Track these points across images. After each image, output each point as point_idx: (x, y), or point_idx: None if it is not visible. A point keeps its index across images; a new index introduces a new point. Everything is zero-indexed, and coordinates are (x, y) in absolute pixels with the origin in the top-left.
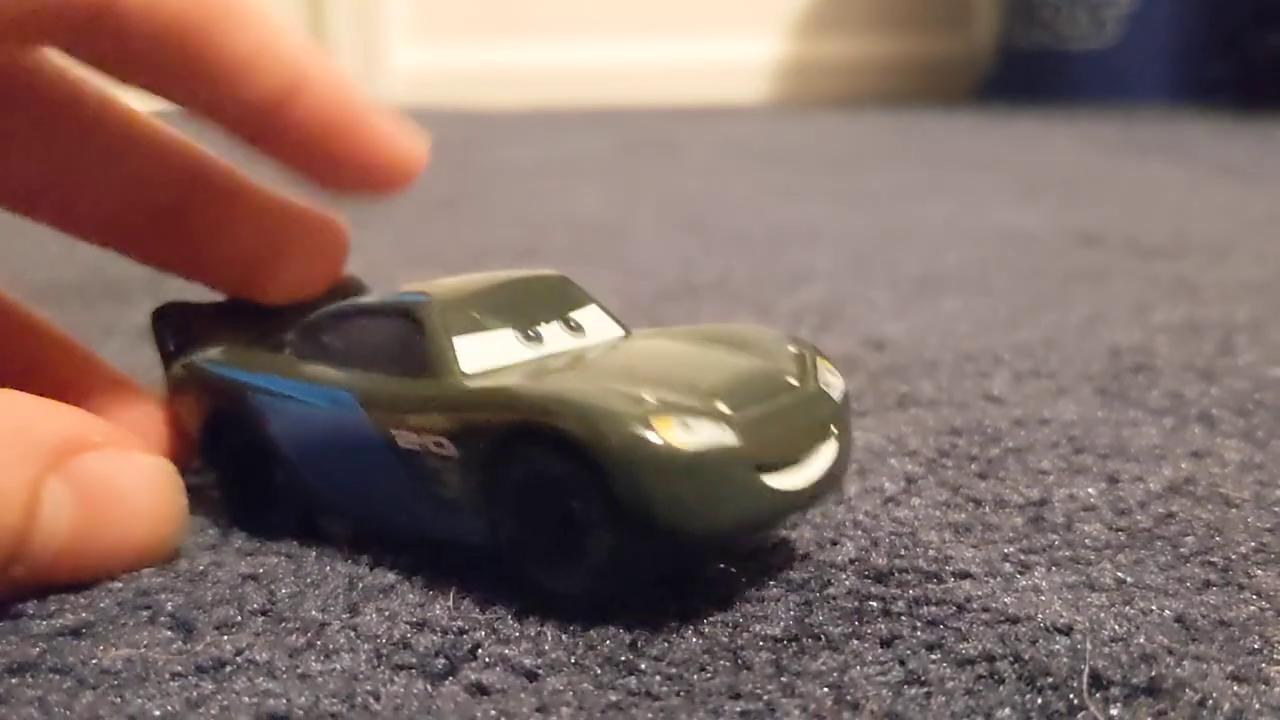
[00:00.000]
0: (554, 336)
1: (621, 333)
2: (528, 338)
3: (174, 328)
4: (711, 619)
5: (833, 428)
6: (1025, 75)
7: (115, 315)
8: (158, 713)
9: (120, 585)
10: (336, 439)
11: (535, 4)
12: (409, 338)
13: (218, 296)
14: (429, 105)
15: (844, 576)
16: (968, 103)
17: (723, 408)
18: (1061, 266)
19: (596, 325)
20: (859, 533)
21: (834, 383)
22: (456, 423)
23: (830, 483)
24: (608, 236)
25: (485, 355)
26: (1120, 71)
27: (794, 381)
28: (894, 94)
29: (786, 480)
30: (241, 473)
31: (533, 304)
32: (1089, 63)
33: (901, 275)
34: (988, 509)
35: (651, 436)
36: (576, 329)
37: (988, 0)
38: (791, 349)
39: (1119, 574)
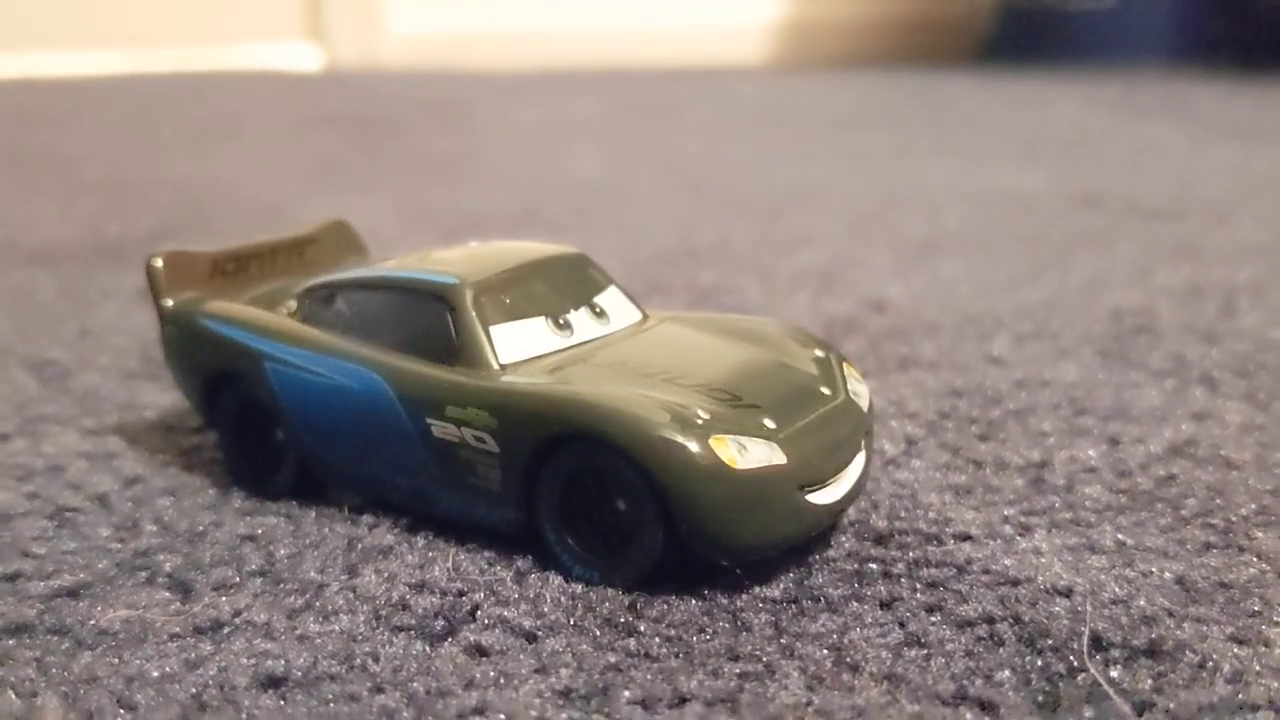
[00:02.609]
0: (582, 324)
1: (640, 316)
2: (558, 325)
3: (170, 277)
4: (711, 581)
5: (862, 440)
6: (1026, 35)
7: (113, 278)
8: (156, 673)
9: (118, 546)
10: (359, 417)
11: None
12: (441, 322)
13: (218, 246)
14: (427, 68)
15: (844, 539)
16: (968, 63)
17: (769, 424)
18: (1062, 228)
19: (618, 309)
20: (860, 496)
21: (861, 391)
22: (500, 420)
23: (858, 490)
24: (607, 199)
25: (521, 345)
26: (1121, 31)
27: (827, 391)
28: (894, 54)
29: (825, 495)
30: (242, 434)
31: (560, 289)
32: (1090, 22)
33: (902, 237)
34: (988, 471)
35: (710, 457)
36: (601, 315)
37: None
38: (817, 352)
39: (1120, 536)
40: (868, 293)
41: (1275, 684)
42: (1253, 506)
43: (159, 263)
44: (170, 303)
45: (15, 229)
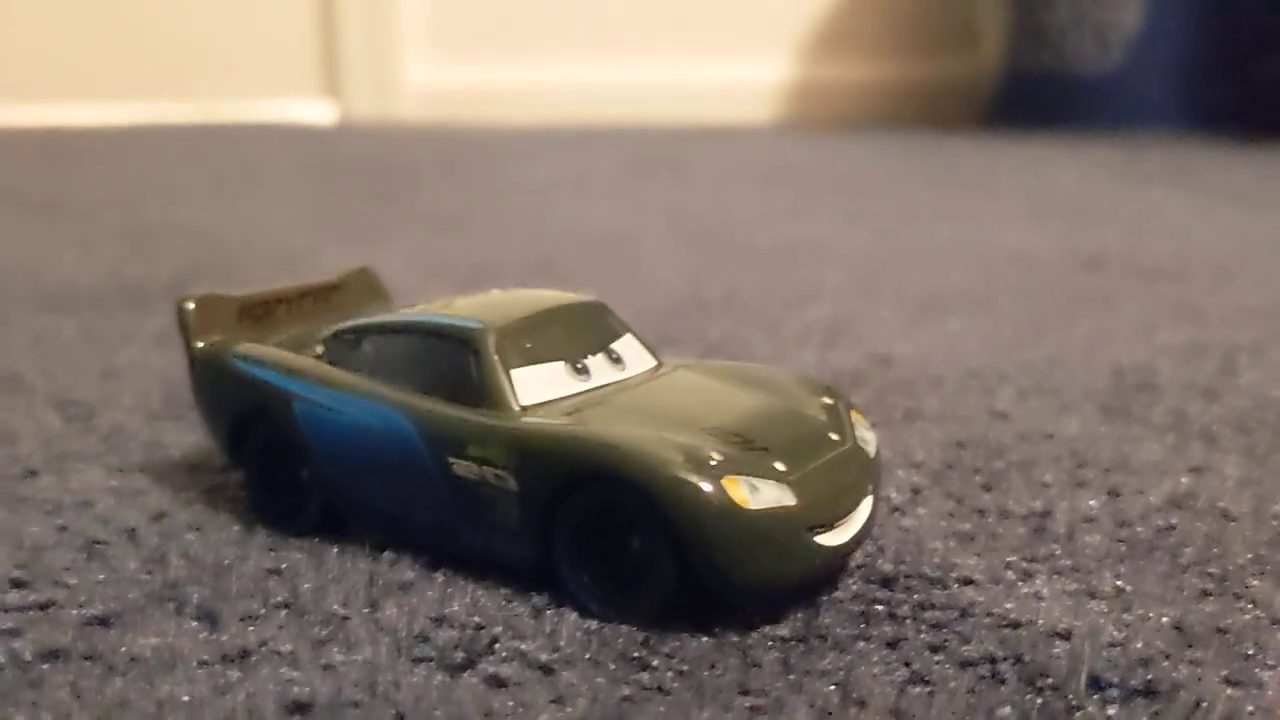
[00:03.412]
0: (599, 369)
1: (655, 363)
2: (576, 370)
3: (201, 322)
4: (722, 620)
5: (869, 485)
6: (1031, 98)
7: (134, 322)
8: (186, 698)
9: (147, 577)
10: (382, 456)
11: (547, 23)
12: (464, 364)
13: (245, 291)
14: (443, 122)
15: (851, 581)
16: (974, 125)
17: (780, 466)
18: (1066, 287)
19: (634, 356)
20: (867, 541)
21: (869, 438)
22: (520, 459)
23: (865, 534)
24: (619, 252)
25: (540, 388)
26: (1125, 95)
27: (836, 437)
28: (900, 116)
29: (832, 538)
30: (268, 471)
31: (577, 335)
32: (1094, 86)
33: (908, 294)
34: (991, 519)
35: (722, 496)
36: (617, 361)
37: (994, 23)
38: (826, 399)
39: (1119, 582)
40: (874, 347)
41: None
42: (1249, 556)
43: (191, 306)
44: (200, 344)
45: (38, 273)
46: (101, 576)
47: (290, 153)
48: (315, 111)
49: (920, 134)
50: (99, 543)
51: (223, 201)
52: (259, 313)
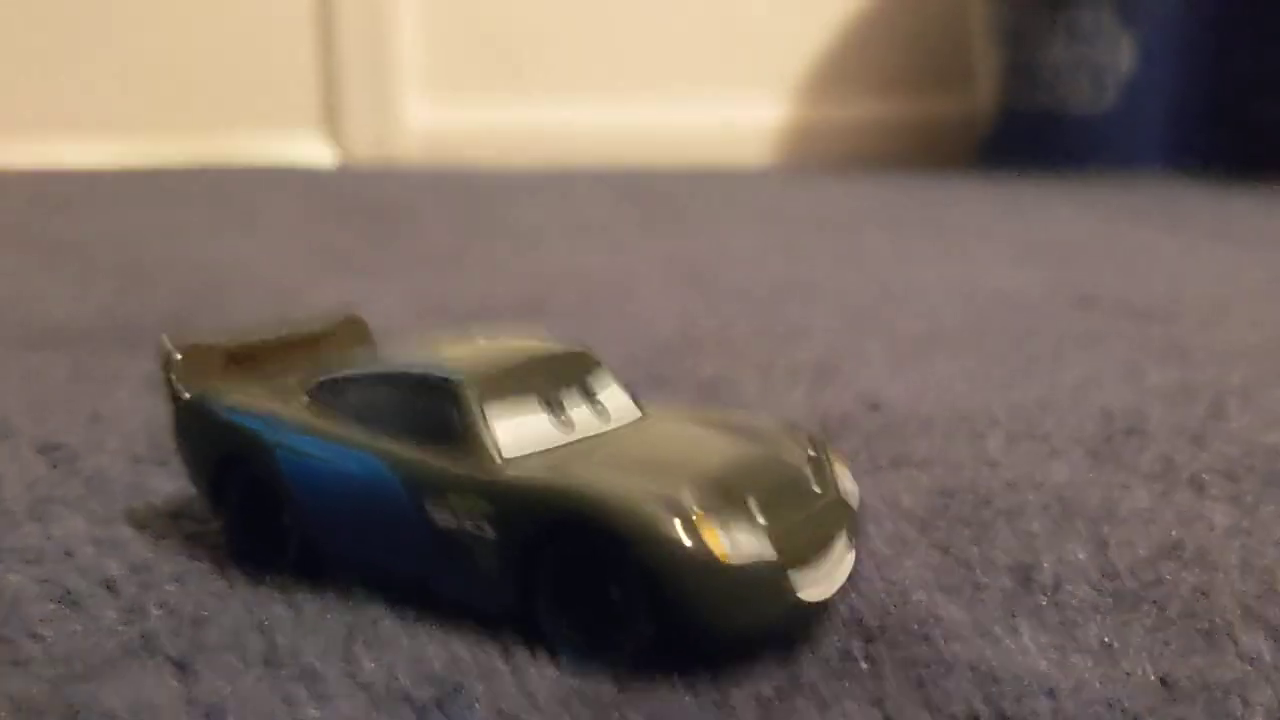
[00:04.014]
0: (583, 420)
1: (639, 414)
2: (559, 422)
3: (185, 369)
4: (700, 673)
5: (851, 538)
6: (1024, 138)
7: (125, 362)
8: None
9: (124, 629)
10: (363, 503)
11: (548, 65)
12: (445, 414)
13: (232, 338)
14: (442, 164)
15: (834, 635)
16: (967, 165)
17: (760, 518)
18: (1056, 329)
19: (617, 405)
20: (851, 593)
21: (851, 489)
22: (499, 508)
23: (846, 587)
24: (612, 292)
25: (521, 438)
26: (1118, 136)
27: (818, 489)
28: (894, 156)
29: (812, 591)
30: (248, 519)
31: (560, 383)
32: (1088, 127)
33: (899, 335)
34: (978, 570)
35: (701, 548)
36: (601, 411)
37: (988, 63)
38: (810, 450)
39: (1105, 637)
40: (863, 389)
41: None
42: (1237, 609)
43: (176, 354)
44: (184, 391)
45: (29, 311)
46: (78, 628)
47: (288, 193)
48: (314, 153)
49: (913, 174)
50: (77, 594)
51: (219, 241)
52: (245, 359)
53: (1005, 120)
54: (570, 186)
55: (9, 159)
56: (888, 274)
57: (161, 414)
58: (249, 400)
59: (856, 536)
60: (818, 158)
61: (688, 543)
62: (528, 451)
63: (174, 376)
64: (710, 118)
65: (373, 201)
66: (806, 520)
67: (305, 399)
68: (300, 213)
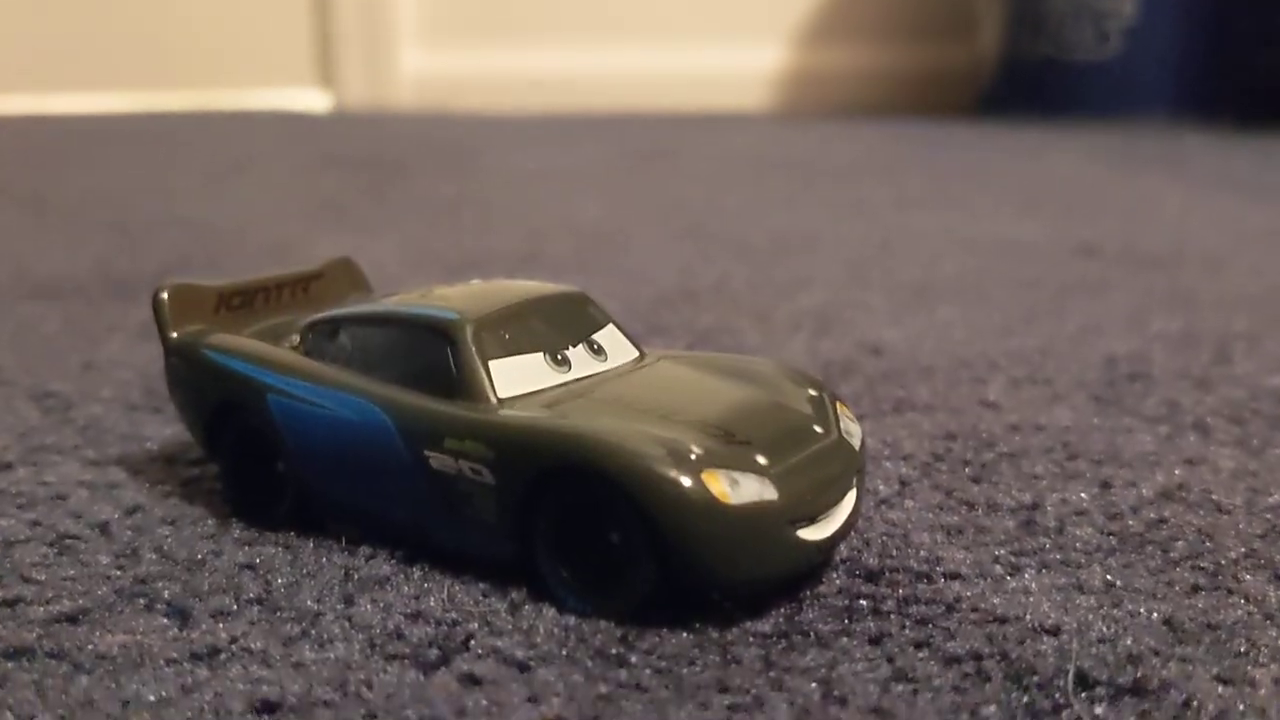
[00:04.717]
0: (580, 360)
1: (638, 355)
2: (556, 362)
3: (176, 310)
4: (702, 615)
5: (853, 479)
6: (1028, 86)
7: (119, 314)
8: (152, 698)
9: (118, 573)
10: (358, 448)
11: (542, 11)
12: (441, 356)
13: (216, 278)
14: (437, 110)
15: (834, 576)
16: (970, 114)
17: (761, 460)
18: (1059, 276)
19: (615, 347)
20: (853, 534)
21: (854, 430)
22: (497, 453)
23: (849, 528)
24: (608, 243)
25: (518, 380)
26: (1122, 84)
27: (820, 430)
28: (896, 105)
29: (815, 532)
30: (243, 464)
31: (558, 325)
32: (1091, 75)
33: (899, 283)
34: (980, 512)
35: (702, 491)
36: (599, 352)
37: (992, 11)
38: (811, 391)
39: (1108, 577)
40: (864, 336)
41: None
42: (1242, 550)
43: (165, 296)
44: (175, 335)
45: (23, 263)
46: (71, 572)
47: (282, 142)
48: (309, 100)
49: (916, 122)
50: (70, 538)
51: (213, 191)
52: (237, 303)
53: (1008, 68)
54: (566, 134)
55: (3, 110)
56: (888, 223)
57: (156, 362)
58: (240, 344)
59: (859, 478)
60: (818, 105)
61: (688, 485)
62: (524, 391)
63: (164, 320)
64: (709, 63)
65: (367, 150)
66: (808, 461)
67: (296, 342)
68: (295, 162)
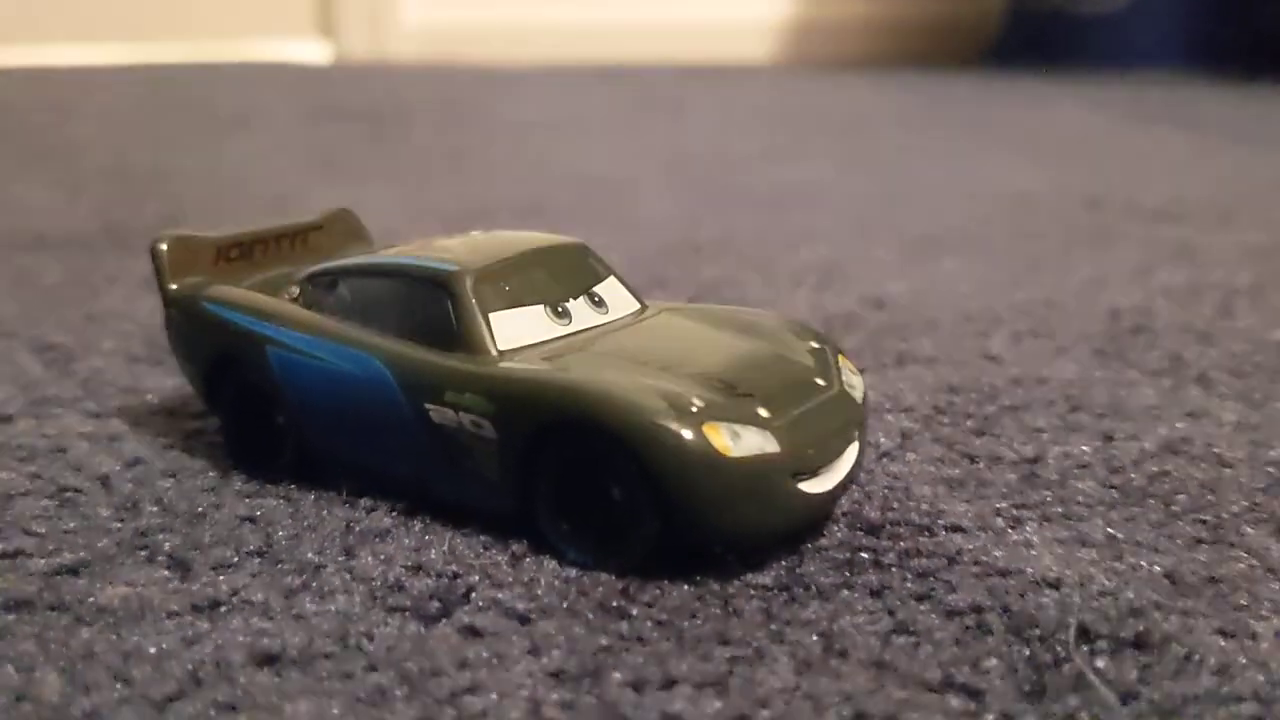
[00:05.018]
0: (580, 313)
1: (639, 306)
2: (557, 314)
3: (175, 261)
4: (703, 568)
5: (855, 432)
6: (1034, 38)
7: (119, 264)
8: (153, 650)
9: (119, 525)
10: (358, 401)
11: None
12: (441, 308)
13: (215, 230)
14: (438, 62)
15: (836, 529)
16: (976, 65)
17: (763, 413)
18: (1064, 229)
19: (617, 299)
20: (852, 486)
21: (855, 383)
22: (498, 406)
23: (850, 481)
24: (613, 194)
25: (519, 333)
26: (1129, 36)
27: (822, 382)
28: (902, 55)
29: (817, 485)
30: (244, 416)
31: (559, 277)
32: (1098, 27)
33: (904, 235)
34: (982, 465)
35: (703, 444)
36: (600, 304)
37: None
38: (813, 344)
39: (1110, 530)
40: (868, 289)
41: (1260, 676)
42: (1244, 503)
43: (164, 247)
44: (174, 287)
45: (23, 215)
46: (72, 525)
47: (283, 93)
48: (310, 51)
49: (922, 73)
50: (71, 490)
51: (213, 143)
52: (236, 254)
53: (1015, 20)
54: (570, 85)
55: (5, 61)
56: (894, 174)
57: (157, 314)
58: (239, 295)
59: (860, 431)
60: (824, 55)
61: (688, 438)
62: (525, 344)
63: (163, 271)
64: (714, 13)
65: (368, 102)
66: (809, 414)
67: (295, 293)
68: (295, 114)
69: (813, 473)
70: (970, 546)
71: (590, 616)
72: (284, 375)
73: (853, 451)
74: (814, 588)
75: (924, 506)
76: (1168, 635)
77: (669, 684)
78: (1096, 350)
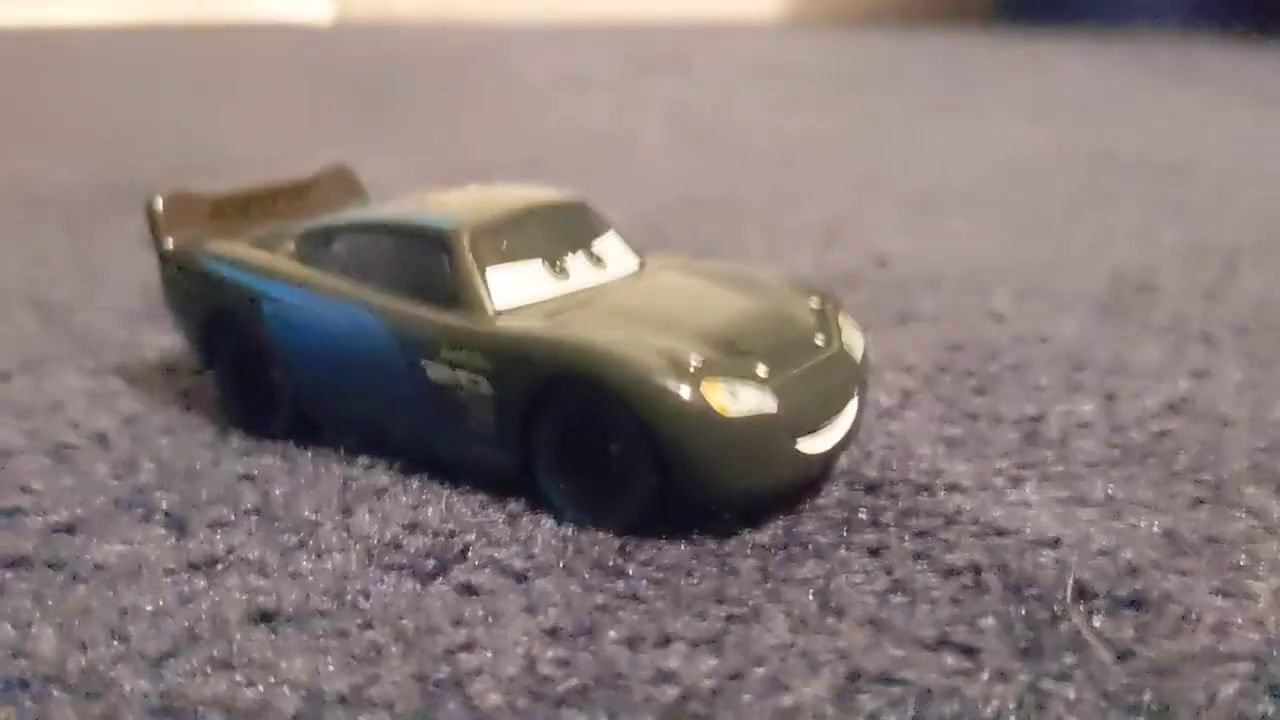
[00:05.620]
0: (579, 269)
1: (638, 263)
2: (555, 270)
3: (170, 217)
4: (701, 526)
5: (855, 390)
6: None
7: (117, 221)
8: (149, 607)
9: (116, 483)
10: (354, 358)
11: None
12: (438, 264)
13: (212, 188)
14: (440, 19)
15: (834, 488)
16: (982, 23)
17: (761, 371)
18: (1069, 187)
19: (615, 255)
20: (852, 445)
21: (855, 342)
22: (496, 363)
23: (849, 440)
24: (614, 151)
25: (516, 289)
26: None
27: (821, 341)
28: (907, 13)
29: (815, 444)
30: (241, 374)
31: (556, 233)
32: None
33: (908, 193)
34: (983, 424)
35: (701, 402)
36: (598, 261)
37: None
38: (813, 302)
39: (1110, 489)
40: (870, 247)
41: (1256, 636)
42: (1245, 463)
43: (159, 203)
44: (169, 243)
45: (22, 173)
46: (70, 482)
47: (283, 52)
48: (313, 9)
49: (927, 30)
50: (68, 447)
51: (212, 102)
52: (232, 210)
53: None
54: (573, 42)
55: (4, 20)
56: (898, 133)
57: (155, 271)
58: (235, 251)
59: (860, 389)
60: (827, 13)
61: (687, 395)
62: (523, 303)
63: (158, 227)
64: None
65: (370, 60)
66: (809, 373)
67: (291, 249)
68: (296, 73)
69: (811, 431)
70: (969, 506)
71: (586, 575)
72: (280, 332)
73: (851, 410)
74: (811, 546)
75: (923, 465)
76: (1165, 594)
77: (665, 642)
78: (1100, 308)
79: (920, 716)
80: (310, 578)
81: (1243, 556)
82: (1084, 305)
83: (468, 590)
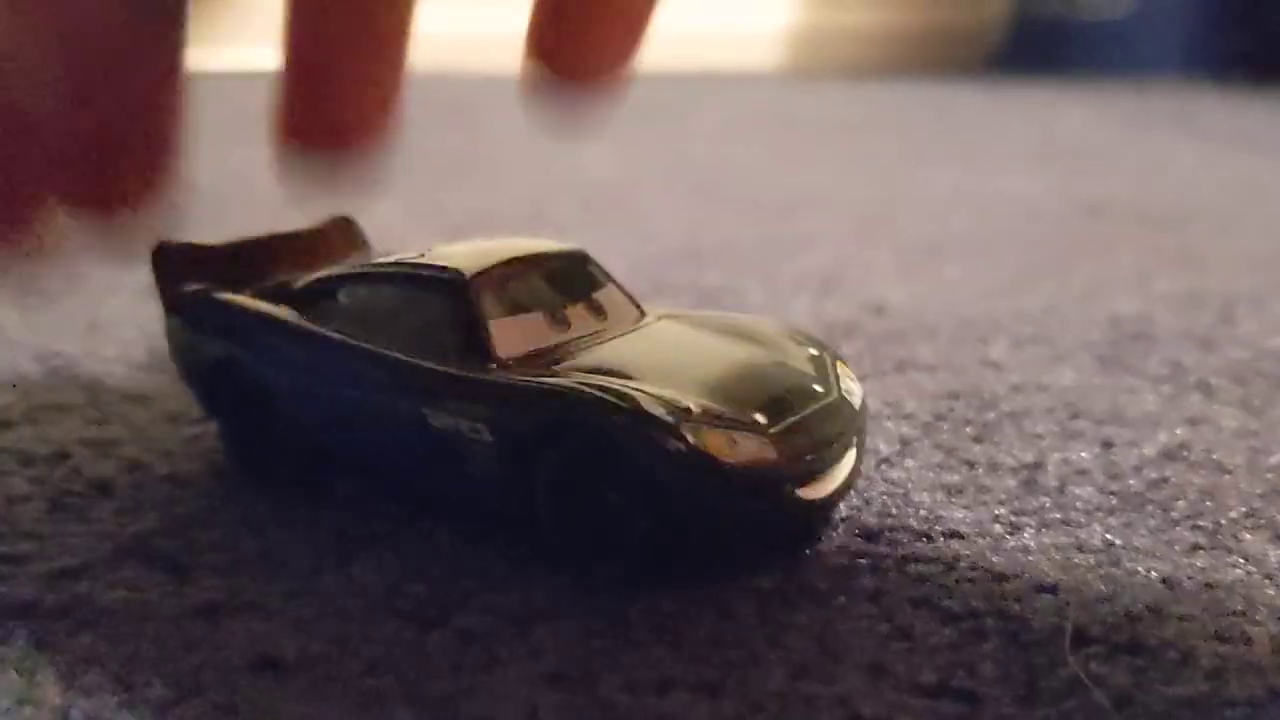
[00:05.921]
0: (580, 319)
1: (638, 314)
2: (555, 321)
3: (175, 268)
4: (699, 572)
5: (854, 438)
6: (1039, 45)
7: (122, 272)
8: (153, 654)
9: (119, 530)
10: (357, 407)
11: None
12: (441, 314)
13: (217, 238)
14: (440, 68)
15: (834, 534)
16: (980, 73)
17: (761, 419)
18: (1066, 235)
19: (615, 306)
20: (851, 492)
21: (854, 390)
22: (497, 412)
23: (848, 487)
24: (616, 200)
25: (518, 339)
26: (1134, 43)
27: (820, 389)
28: (906, 63)
29: (814, 491)
30: (244, 422)
31: (559, 284)
32: (1103, 34)
33: (906, 242)
34: (981, 471)
35: (701, 450)
36: (599, 311)
37: None
38: (812, 351)
39: (1108, 536)
40: (869, 296)
41: (1255, 681)
42: (1242, 509)
43: (165, 253)
44: (174, 293)
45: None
46: (73, 529)
47: None
48: None
49: (926, 80)
50: (72, 495)
51: (217, 150)
52: (236, 261)
53: (1018, 27)
54: None
55: None
56: (896, 181)
57: (159, 322)
58: (238, 302)
59: (859, 437)
60: (828, 64)
61: (687, 444)
62: (524, 350)
63: (162, 278)
64: (721, 21)
65: None
66: (807, 421)
67: (296, 300)
68: None
69: (810, 479)
70: (968, 552)
71: (586, 620)
72: (283, 381)
73: (850, 458)
74: (810, 592)
75: (922, 512)
76: (1163, 640)
77: (664, 687)
78: (1097, 357)
79: None
80: (312, 624)
81: (1240, 602)
82: (1081, 353)
83: (468, 636)
